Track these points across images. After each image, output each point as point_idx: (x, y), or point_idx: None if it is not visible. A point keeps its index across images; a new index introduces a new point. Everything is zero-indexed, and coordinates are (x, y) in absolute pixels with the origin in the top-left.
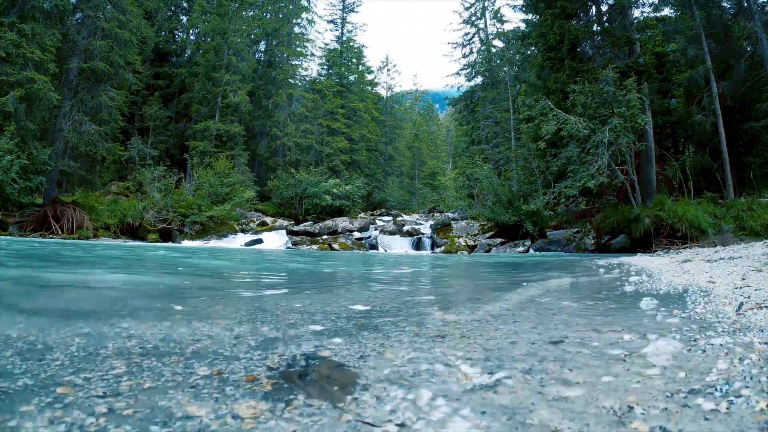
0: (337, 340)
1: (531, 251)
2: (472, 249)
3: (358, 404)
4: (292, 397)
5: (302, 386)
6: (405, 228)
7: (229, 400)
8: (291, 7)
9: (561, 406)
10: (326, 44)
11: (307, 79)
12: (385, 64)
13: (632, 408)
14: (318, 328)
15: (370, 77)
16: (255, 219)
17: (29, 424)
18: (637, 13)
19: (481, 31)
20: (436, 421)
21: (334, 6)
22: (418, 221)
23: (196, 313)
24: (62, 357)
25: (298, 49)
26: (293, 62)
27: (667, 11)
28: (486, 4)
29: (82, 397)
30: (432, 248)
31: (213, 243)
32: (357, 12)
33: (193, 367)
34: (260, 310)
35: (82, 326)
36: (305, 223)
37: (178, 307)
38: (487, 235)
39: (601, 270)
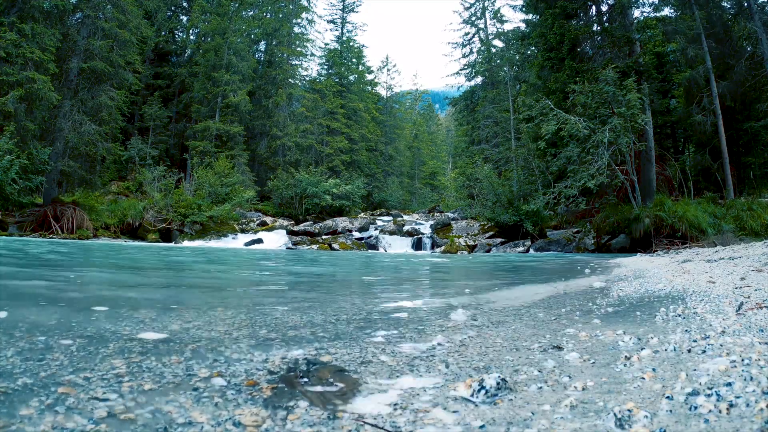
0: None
1: (531, 251)
2: (472, 249)
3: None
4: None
5: (303, 391)
6: (405, 228)
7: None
8: (291, 7)
9: (560, 409)
10: (326, 44)
11: (307, 79)
12: (385, 64)
13: (632, 410)
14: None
15: (370, 77)
16: (255, 219)
17: None
18: (637, 13)
19: (481, 31)
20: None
21: (334, 6)
22: (418, 221)
23: None
24: None
25: (298, 49)
26: (293, 62)
27: (667, 11)
28: (486, 4)
29: None
30: (432, 248)
31: (213, 243)
32: (357, 12)
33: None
34: None
35: None
36: (305, 223)
37: None
38: (487, 235)
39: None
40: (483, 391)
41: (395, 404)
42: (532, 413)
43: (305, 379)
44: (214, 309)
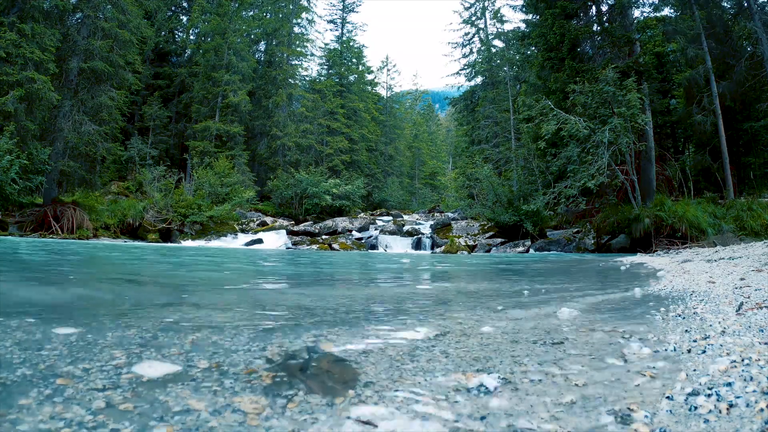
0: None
1: (531, 251)
2: (472, 249)
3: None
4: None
5: (303, 380)
6: (405, 228)
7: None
8: (291, 7)
9: (559, 407)
10: (326, 44)
11: (307, 79)
12: (385, 64)
13: (633, 409)
14: None
15: (370, 77)
16: (255, 219)
17: None
18: (637, 13)
19: (481, 31)
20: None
21: (334, 6)
22: (418, 221)
23: None
24: None
25: (298, 49)
26: (293, 62)
27: (667, 11)
28: (486, 4)
29: None
30: (432, 248)
31: (213, 243)
32: (357, 12)
33: None
34: None
35: None
36: (305, 223)
37: None
38: (487, 235)
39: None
40: (483, 385)
41: (395, 396)
42: (532, 406)
43: (305, 369)
44: (214, 304)
